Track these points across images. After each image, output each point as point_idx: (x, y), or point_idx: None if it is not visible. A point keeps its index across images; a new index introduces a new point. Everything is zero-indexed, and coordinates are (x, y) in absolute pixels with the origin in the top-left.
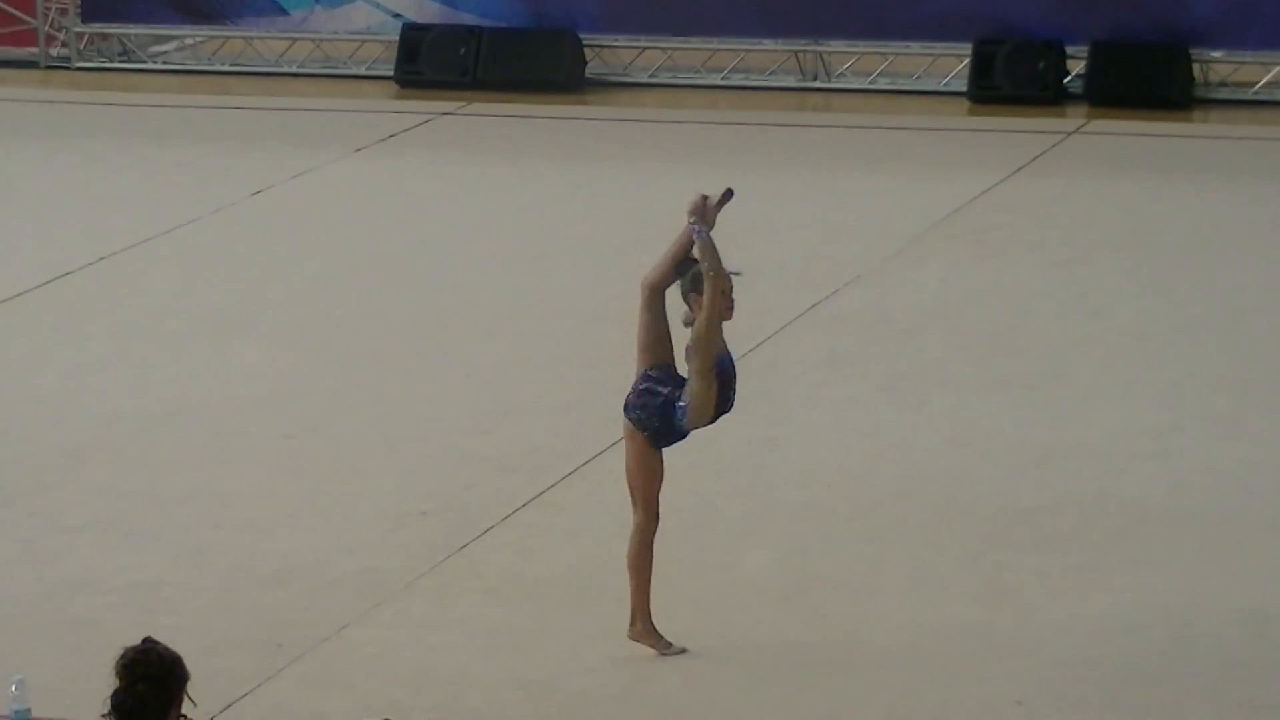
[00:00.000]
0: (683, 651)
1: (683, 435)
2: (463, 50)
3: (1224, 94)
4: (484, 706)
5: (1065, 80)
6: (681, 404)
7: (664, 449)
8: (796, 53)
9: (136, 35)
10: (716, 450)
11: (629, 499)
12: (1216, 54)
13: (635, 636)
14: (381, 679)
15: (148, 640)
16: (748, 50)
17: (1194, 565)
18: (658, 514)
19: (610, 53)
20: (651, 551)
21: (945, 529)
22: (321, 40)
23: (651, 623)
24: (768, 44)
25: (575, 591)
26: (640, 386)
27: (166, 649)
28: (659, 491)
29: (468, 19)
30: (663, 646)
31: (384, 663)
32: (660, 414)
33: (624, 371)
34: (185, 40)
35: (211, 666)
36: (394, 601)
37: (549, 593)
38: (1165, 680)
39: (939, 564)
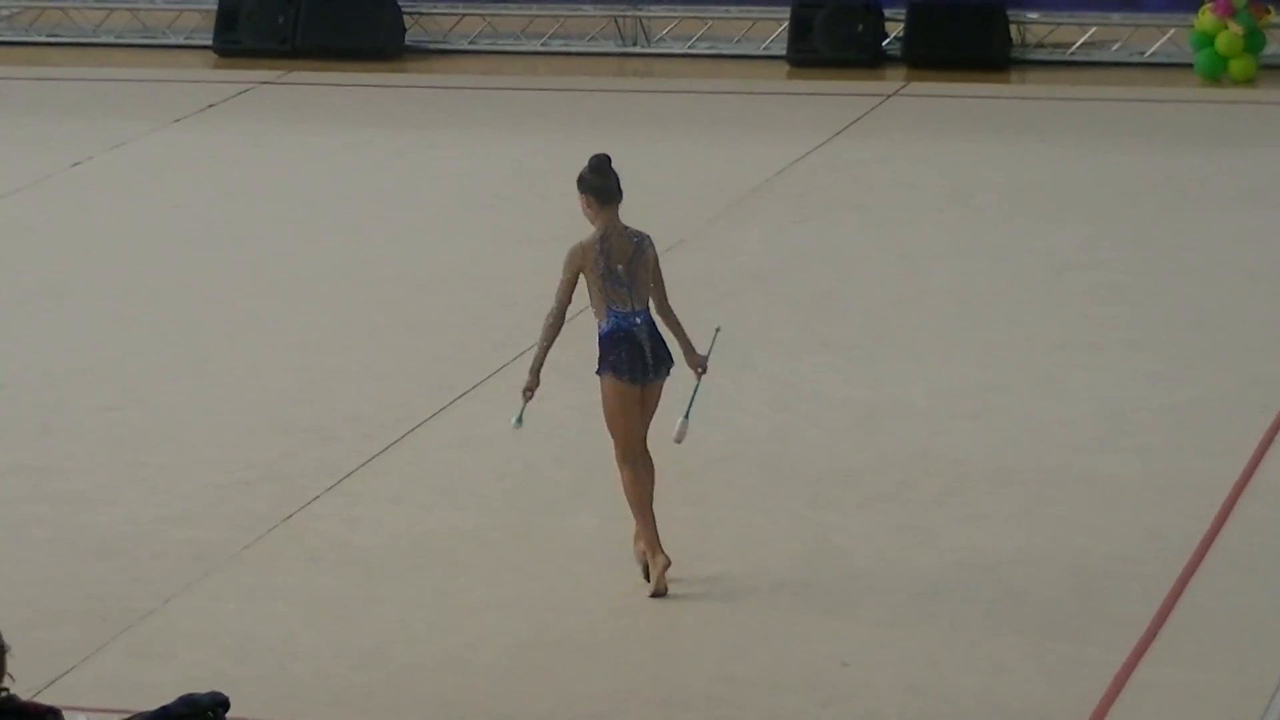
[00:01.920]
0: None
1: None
2: (281, 19)
3: (1041, 55)
4: (311, 676)
5: (884, 43)
6: None
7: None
8: (616, 18)
9: None
10: (540, 415)
11: (461, 467)
12: (1033, 15)
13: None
14: (207, 650)
15: None
16: (568, 16)
17: (1016, 524)
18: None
19: (429, 20)
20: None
21: (769, 491)
22: (139, 10)
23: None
24: (587, 9)
25: (401, 560)
26: None
27: None
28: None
29: None
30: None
31: (210, 634)
32: None
33: (448, 338)
34: (2, 11)
35: (36, 640)
36: (219, 572)
37: (374, 561)
38: (989, 638)
39: (763, 526)
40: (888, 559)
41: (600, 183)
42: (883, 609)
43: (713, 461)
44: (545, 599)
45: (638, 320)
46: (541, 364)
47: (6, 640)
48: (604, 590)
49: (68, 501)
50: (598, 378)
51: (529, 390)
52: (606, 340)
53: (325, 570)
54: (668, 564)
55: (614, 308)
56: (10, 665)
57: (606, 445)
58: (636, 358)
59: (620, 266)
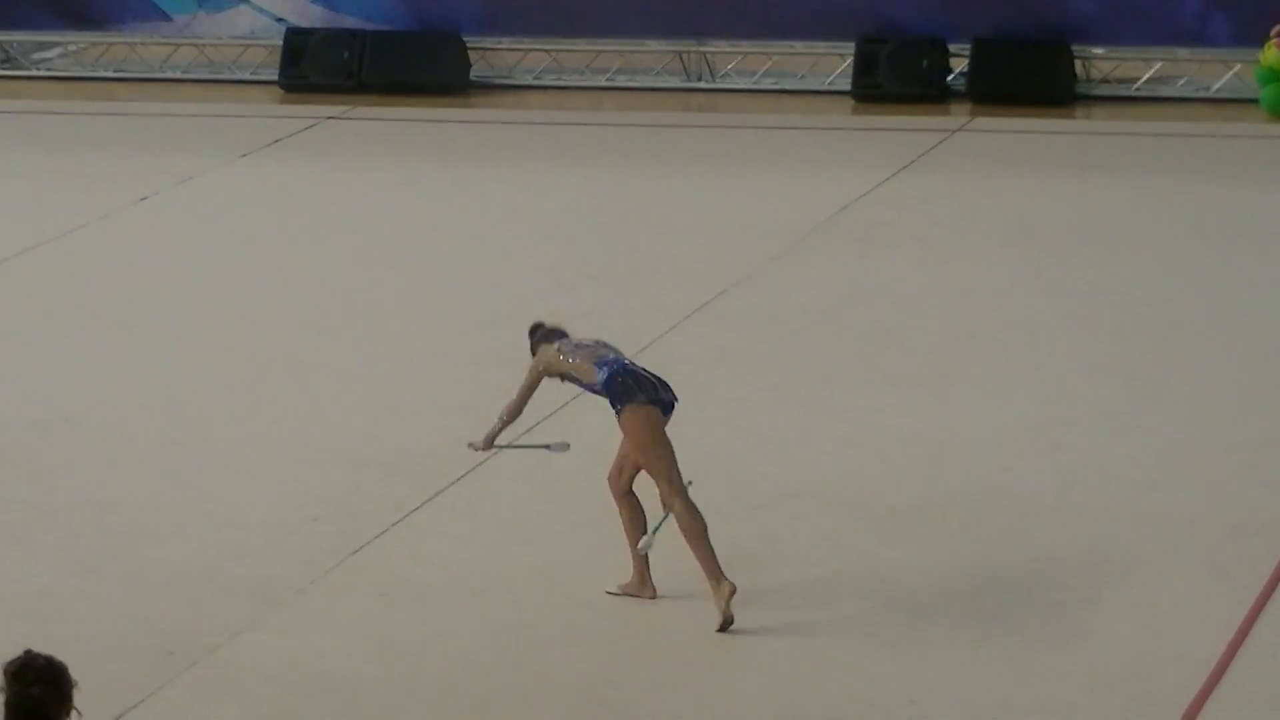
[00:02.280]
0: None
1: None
2: (346, 54)
3: (1105, 90)
4: (380, 712)
5: (948, 78)
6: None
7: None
8: (681, 53)
9: (19, 41)
10: (606, 450)
11: (527, 502)
12: (1098, 50)
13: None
14: (275, 685)
15: (28, 652)
16: (632, 51)
17: (1083, 561)
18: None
19: (495, 55)
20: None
21: (836, 527)
22: (205, 45)
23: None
24: (652, 45)
25: (468, 595)
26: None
27: (50, 658)
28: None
29: (351, 22)
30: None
31: (277, 669)
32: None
33: (511, 372)
34: (69, 46)
35: (103, 674)
36: (286, 607)
37: (442, 596)
38: (1056, 677)
39: (831, 562)
40: (954, 595)
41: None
42: (949, 646)
43: (780, 497)
44: (612, 634)
45: (626, 361)
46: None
47: (74, 675)
48: (671, 626)
49: (135, 536)
50: (620, 420)
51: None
52: (610, 382)
53: (393, 605)
54: (733, 590)
55: (602, 360)
56: (78, 700)
57: None
58: (644, 382)
59: (585, 339)
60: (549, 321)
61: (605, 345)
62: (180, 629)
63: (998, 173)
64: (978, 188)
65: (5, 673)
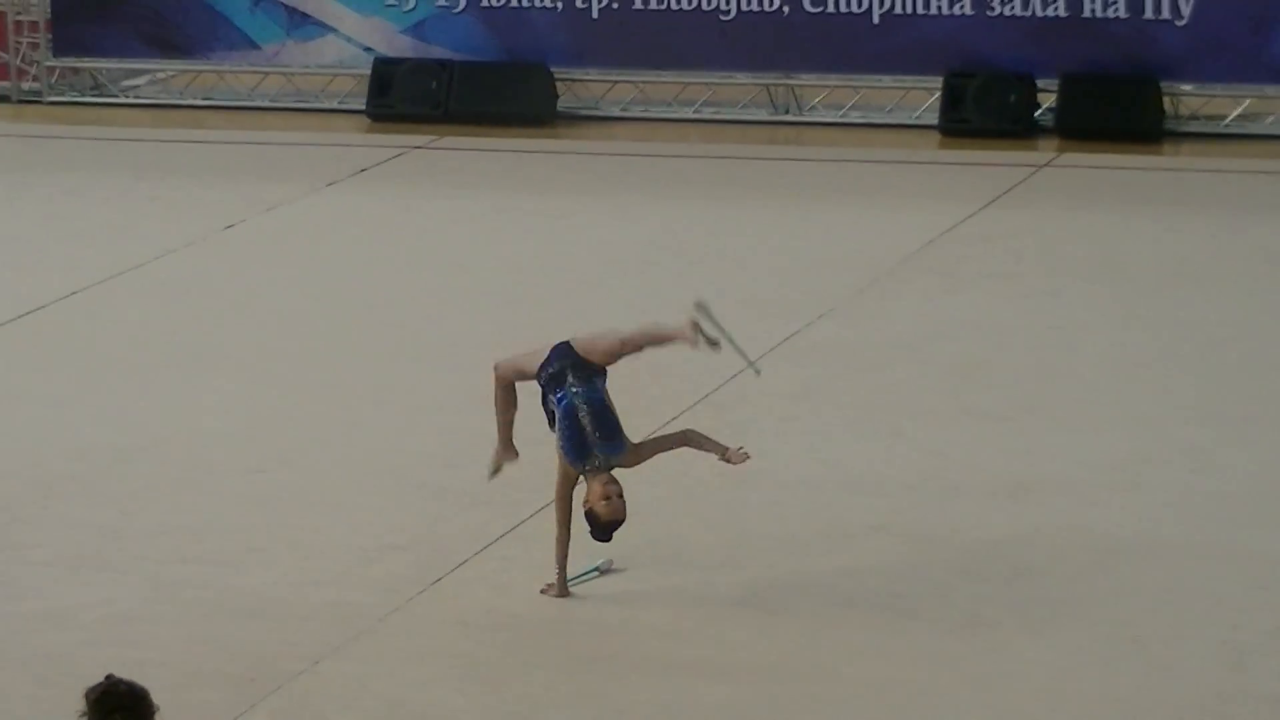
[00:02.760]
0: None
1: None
2: (434, 84)
3: (1194, 127)
4: None
5: (1036, 113)
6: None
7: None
8: (768, 86)
9: (108, 69)
10: (688, 483)
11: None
12: (1187, 87)
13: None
14: (355, 714)
15: (110, 677)
16: (719, 84)
17: (1167, 598)
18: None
19: (582, 86)
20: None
21: (918, 561)
22: (293, 74)
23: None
24: (739, 77)
25: (549, 625)
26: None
27: (131, 684)
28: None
29: (439, 53)
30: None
31: (357, 697)
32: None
33: None
34: (157, 74)
35: (183, 701)
36: (367, 635)
37: (523, 626)
38: (1139, 714)
39: (912, 596)
40: (1036, 632)
41: None
42: (1031, 682)
43: (863, 530)
44: (694, 664)
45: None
46: None
47: (156, 701)
48: (753, 657)
49: (217, 563)
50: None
51: None
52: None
53: (474, 635)
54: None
55: None
56: None
57: (753, 513)
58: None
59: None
60: None
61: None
62: (261, 656)
63: (1084, 209)
64: (1064, 224)
65: (87, 700)
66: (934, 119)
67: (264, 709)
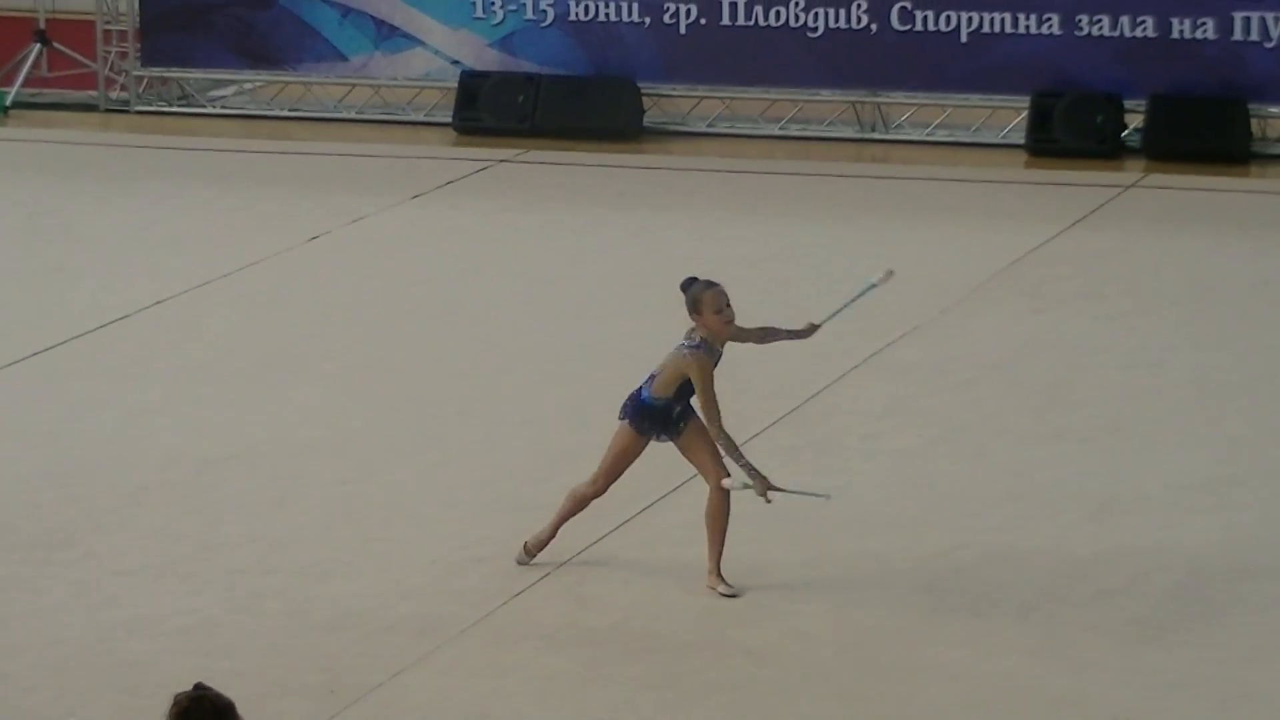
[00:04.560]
0: None
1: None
2: (521, 98)
3: None
4: None
5: (1123, 134)
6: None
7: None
8: (855, 103)
9: (196, 79)
10: (773, 498)
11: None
12: (1275, 109)
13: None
14: None
15: (199, 686)
16: (806, 100)
17: (1254, 621)
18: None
19: (669, 101)
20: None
21: (1001, 580)
22: (380, 86)
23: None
24: (826, 94)
25: (630, 640)
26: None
27: (219, 694)
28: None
29: (527, 66)
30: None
31: (438, 709)
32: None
33: None
34: (244, 85)
35: (265, 711)
36: (448, 648)
37: (604, 641)
38: None
39: (995, 616)
40: (1120, 653)
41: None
42: (1115, 703)
43: (946, 549)
44: (774, 684)
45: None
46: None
47: (240, 712)
48: (834, 676)
49: (300, 573)
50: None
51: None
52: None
53: (554, 648)
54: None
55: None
56: None
57: (837, 530)
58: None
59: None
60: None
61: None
62: (342, 667)
63: (1171, 230)
64: (1151, 244)
65: (172, 708)
66: (1021, 138)
67: (346, 719)
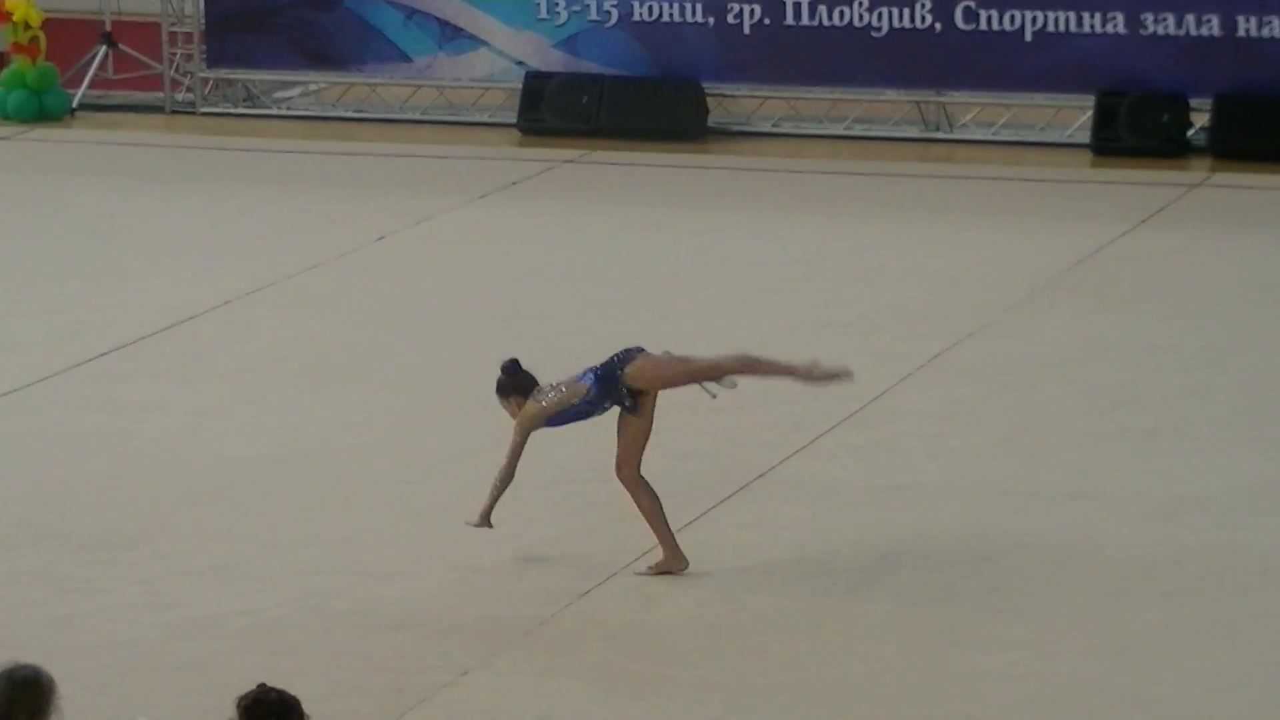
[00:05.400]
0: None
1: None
2: (585, 98)
3: None
4: None
5: (1188, 133)
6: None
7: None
8: (919, 103)
9: (261, 81)
10: (836, 500)
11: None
12: None
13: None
14: None
15: (262, 685)
16: (870, 100)
17: None
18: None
19: (733, 102)
20: None
21: (1066, 581)
22: (445, 87)
23: None
24: (890, 94)
25: (695, 639)
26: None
27: (283, 692)
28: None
29: (590, 67)
30: None
31: (504, 709)
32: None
33: (744, 421)
34: (309, 86)
35: (330, 711)
36: (514, 648)
37: (669, 640)
38: None
39: (1060, 616)
40: (1185, 652)
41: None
42: (1180, 702)
43: (1010, 549)
44: (838, 683)
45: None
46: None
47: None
48: (900, 677)
49: (365, 574)
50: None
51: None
52: (604, 382)
53: (620, 648)
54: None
55: (584, 373)
56: None
57: (901, 530)
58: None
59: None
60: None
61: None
62: (408, 667)
63: (1236, 229)
64: (1216, 244)
65: (238, 707)
66: (1085, 138)
67: None
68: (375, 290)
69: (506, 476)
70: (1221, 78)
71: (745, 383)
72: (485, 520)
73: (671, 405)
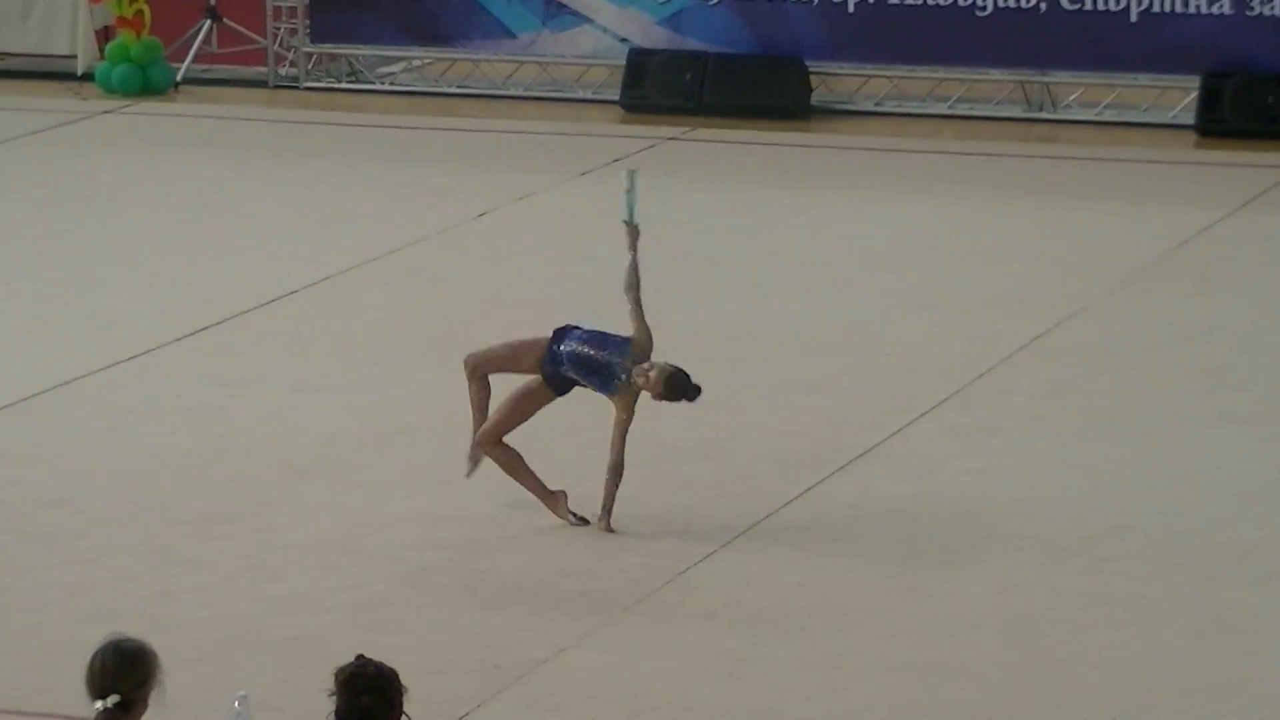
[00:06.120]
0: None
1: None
2: (689, 76)
3: None
4: None
5: None
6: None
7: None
8: (1023, 83)
9: (364, 56)
10: (936, 480)
11: (855, 528)
12: None
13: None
14: (599, 703)
15: (360, 658)
16: (974, 80)
17: None
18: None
19: (836, 80)
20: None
21: (1165, 564)
22: (548, 64)
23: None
24: (994, 74)
25: (793, 619)
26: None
27: (382, 664)
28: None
29: (694, 44)
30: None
31: (602, 686)
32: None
33: (843, 400)
34: (412, 62)
35: (430, 687)
36: (612, 625)
37: (767, 619)
38: None
39: (1158, 599)
40: None
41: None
42: (1278, 686)
43: (1109, 531)
44: (936, 664)
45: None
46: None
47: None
48: (995, 657)
49: (465, 550)
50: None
51: None
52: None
53: (718, 627)
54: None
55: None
56: (406, 707)
57: (1000, 512)
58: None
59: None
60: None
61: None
62: (507, 643)
63: None
64: None
65: (336, 680)
66: (1190, 119)
67: (509, 696)
68: (477, 266)
69: (619, 468)
70: None
71: (846, 363)
72: (608, 519)
73: (772, 386)
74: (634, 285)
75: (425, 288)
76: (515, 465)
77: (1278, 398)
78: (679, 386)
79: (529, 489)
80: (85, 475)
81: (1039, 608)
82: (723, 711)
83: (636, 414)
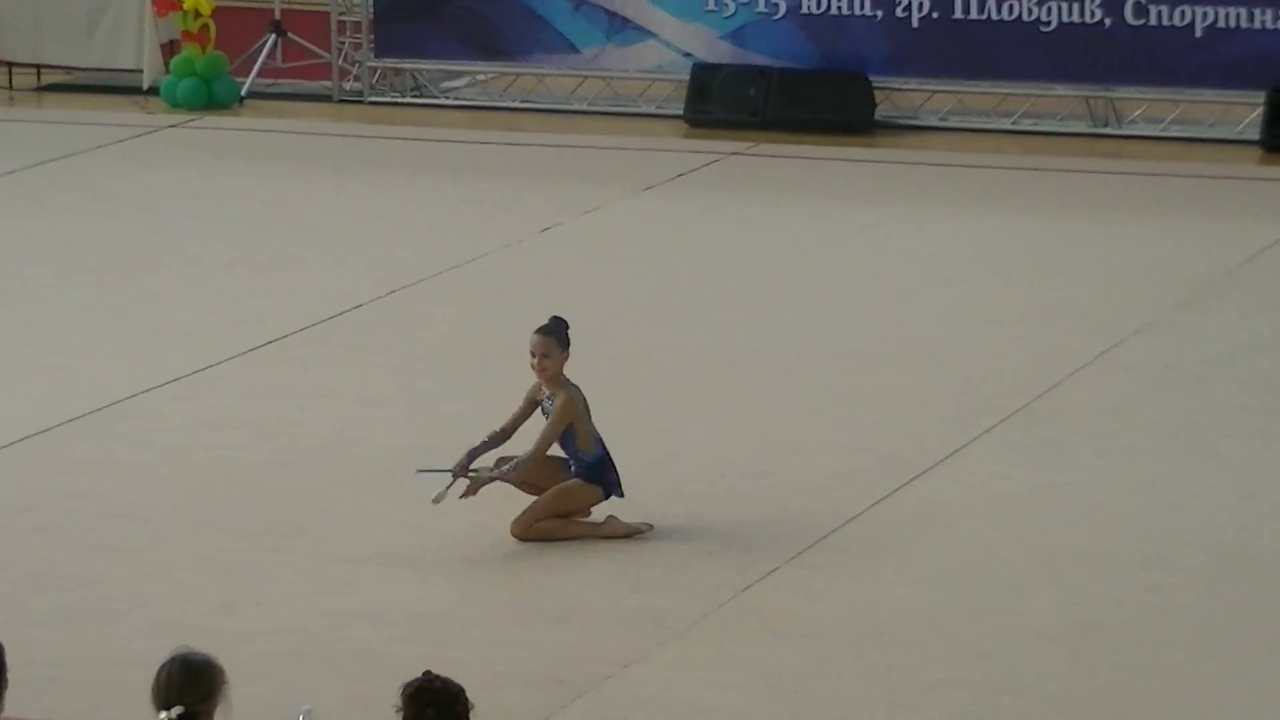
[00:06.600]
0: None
1: None
2: (753, 90)
3: None
4: None
5: None
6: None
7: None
8: (1087, 98)
9: (428, 70)
10: (999, 496)
11: (921, 543)
12: None
13: None
14: (662, 718)
15: (428, 673)
16: (1038, 95)
17: None
18: None
19: (900, 95)
20: None
21: (1232, 581)
22: (612, 78)
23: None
24: (1059, 89)
25: (858, 635)
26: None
27: (448, 679)
28: None
29: (758, 59)
30: None
31: (665, 702)
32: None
33: (907, 414)
34: (477, 76)
35: (493, 701)
36: (676, 641)
37: (832, 635)
38: None
39: (1225, 616)
40: None
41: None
42: None
43: (1175, 548)
44: (1001, 680)
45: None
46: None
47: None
48: (1060, 674)
49: (529, 565)
50: (581, 482)
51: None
52: (602, 463)
53: (782, 642)
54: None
55: (598, 438)
56: None
57: (1065, 528)
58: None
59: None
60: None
61: None
62: (571, 658)
63: None
64: None
65: (403, 694)
66: (1256, 134)
67: (572, 712)
68: (541, 281)
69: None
70: None
71: (910, 377)
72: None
73: (835, 400)
74: (538, 446)
75: (489, 302)
76: (556, 527)
77: None
78: None
79: (584, 535)
80: (150, 489)
81: (1102, 623)
82: None
83: (702, 427)
